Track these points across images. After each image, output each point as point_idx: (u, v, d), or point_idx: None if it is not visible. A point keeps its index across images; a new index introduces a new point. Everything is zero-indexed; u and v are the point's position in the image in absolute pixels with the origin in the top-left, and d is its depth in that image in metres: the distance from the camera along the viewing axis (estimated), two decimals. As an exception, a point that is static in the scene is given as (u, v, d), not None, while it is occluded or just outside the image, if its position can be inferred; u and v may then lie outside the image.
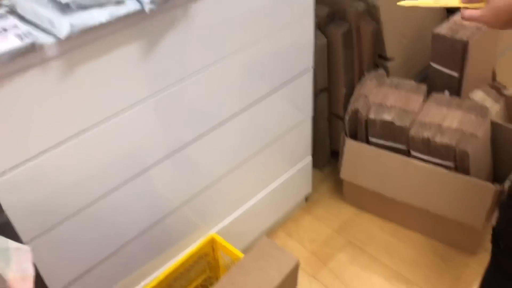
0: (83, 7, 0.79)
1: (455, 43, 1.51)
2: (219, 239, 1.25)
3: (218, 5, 1.01)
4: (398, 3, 0.91)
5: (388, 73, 1.69)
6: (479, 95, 1.67)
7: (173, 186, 1.16)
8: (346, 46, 1.50)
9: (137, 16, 0.87)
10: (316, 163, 1.79)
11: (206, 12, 0.99)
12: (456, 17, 1.60)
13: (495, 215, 1.44)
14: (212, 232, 1.31)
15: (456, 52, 1.53)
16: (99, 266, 1.08)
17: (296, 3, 1.19)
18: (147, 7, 0.84)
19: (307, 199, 1.70)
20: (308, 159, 1.55)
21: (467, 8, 0.81)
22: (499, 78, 1.85)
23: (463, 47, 1.50)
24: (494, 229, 1.03)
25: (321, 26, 1.47)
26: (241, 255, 1.20)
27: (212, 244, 1.27)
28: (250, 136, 1.30)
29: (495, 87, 1.70)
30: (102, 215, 1.02)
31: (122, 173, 1.02)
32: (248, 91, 1.21)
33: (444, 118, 1.41)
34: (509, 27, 0.78)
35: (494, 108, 1.64)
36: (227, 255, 1.25)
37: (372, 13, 1.51)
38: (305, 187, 1.63)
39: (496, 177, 1.51)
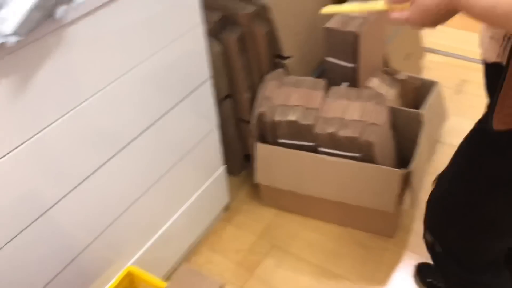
0: None
1: (346, 35, 1.55)
2: (137, 271, 1.18)
3: (97, 24, 0.93)
4: (320, 11, 0.88)
5: (288, 71, 1.70)
6: (374, 83, 1.73)
7: (81, 221, 1.06)
8: (242, 50, 1.47)
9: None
10: (231, 170, 1.76)
11: (85, 34, 0.91)
12: (344, 10, 1.64)
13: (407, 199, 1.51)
14: (131, 264, 1.24)
15: (348, 44, 1.56)
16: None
17: (184, 14, 1.14)
18: (10, 39, 0.75)
19: (226, 208, 1.67)
20: (221, 169, 1.52)
21: (392, 11, 0.78)
22: (390, 61, 1.94)
23: (354, 38, 1.54)
24: (425, 233, 1.06)
25: (214, 33, 1.43)
26: (163, 284, 1.14)
27: (130, 277, 1.20)
28: (158, 154, 1.24)
29: (389, 73, 1.78)
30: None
31: (16, 221, 0.91)
32: (149, 108, 1.15)
33: (345, 111, 1.44)
34: (439, 24, 0.75)
35: (390, 93, 1.71)
36: (148, 286, 1.18)
37: (263, 14, 1.50)
38: (222, 197, 1.59)
39: (401, 160, 1.58)
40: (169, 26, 1.11)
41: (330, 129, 1.38)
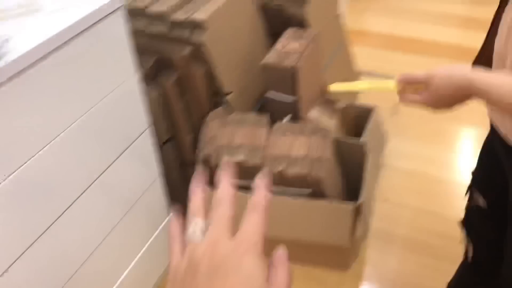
0: None
1: (284, 70, 1.54)
2: None
3: (29, 83, 0.85)
4: (329, 88, 0.84)
5: (230, 108, 1.66)
6: (315, 114, 1.74)
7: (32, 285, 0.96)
8: (181, 93, 1.42)
9: None
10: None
11: (17, 95, 0.83)
12: (278, 45, 1.64)
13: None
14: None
15: (287, 78, 1.56)
16: None
17: (117, 66, 1.08)
18: None
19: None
20: (168, 218, 1.44)
21: (404, 92, 0.77)
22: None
23: (292, 73, 1.54)
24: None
25: (150, 77, 1.37)
26: None
27: None
28: (105, 209, 1.16)
29: (328, 103, 1.79)
30: None
31: None
32: (91, 163, 1.08)
33: (291, 147, 1.42)
34: (454, 107, 0.75)
35: (331, 123, 1.72)
36: None
37: (199, 55, 1.46)
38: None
39: (348, 189, 1.58)
40: (103, 79, 1.05)
41: (279, 168, 1.36)
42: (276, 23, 1.88)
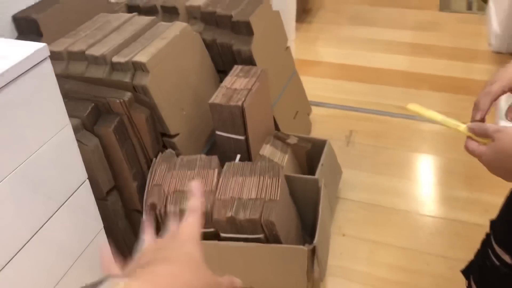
0: None
1: (232, 109, 1.50)
2: None
3: None
4: (407, 107, 0.79)
5: (178, 150, 1.61)
6: (267, 150, 1.70)
7: None
8: (122, 139, 1.36)
9: None
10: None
11: None
12: (225, 83, 1.60)
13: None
14: None
15: (235, 117, 1.52)
16: None
17: (49, 117, 1.01)
18: None
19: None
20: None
21: (473, 139, 0.69)
22: (280, 124, 1.93)
23: (240, 111, 1.50)
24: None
25: (88, 126, 1.30)
26: None
27: None
28: (47, 263, 1.08)
29: (280, 138, 1.76)
30: None
31: None
32: (28, 217, 1.00)
33: (242, 189, 1.37)
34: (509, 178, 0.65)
35: (285, 159, 1.69)
36: None
37: (140, 97, 1.41)
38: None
39: (304, 225, 1.54)
40: (35, 129, 0.98)
41: (229, 213, 1.30)
42: (225, 61, 1.86)
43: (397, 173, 1.98)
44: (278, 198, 1.34)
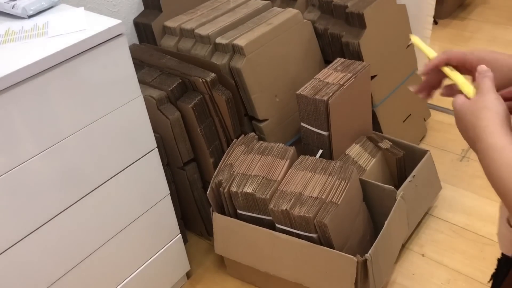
0: None
1: (317, 102, 1.47)
2: None
3: (36, 89, 0.95)
4: (411, 37, 0.80)
5: (264, 135, 1.64)
6: (355, 151, 1.63)
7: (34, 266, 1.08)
8: (202, 117, 1.43)
9: None
10: (204, 233, 1.71)
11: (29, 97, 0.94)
12: (320, 75, 1.57)
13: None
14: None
15: (319, 111, 1.49)
16: None
17: (120, 88, 1.12)
18: None
19: (189, 276, 1.60)
20: (177, 238, 1.46)
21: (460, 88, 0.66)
22: (383, 125, 1.82)
23: (325, 106, 1.46)
24: None
25: (173, 99, 1.41)
26: None
27: None
28: (109, 213, 1.23)
29: (373, 140, 1.67)
30: None
31: None
32: (101, 165, 1.16)
33: (306, 185, 1.35)
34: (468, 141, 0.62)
35: (371, 163, 1.60)
36: None
37: (225, 81, 1.46)
38: (182, 265, 1.53)
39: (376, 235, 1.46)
40: (104, 99, 1.10)
41: (284, 206, 1.30)
42: (334, 51, 1.81)
43: (510, 201, 1.72)
44: (339, 202, 1.29)
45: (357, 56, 1.72)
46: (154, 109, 1.36)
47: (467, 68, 0.68)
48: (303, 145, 1.62)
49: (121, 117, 1.15)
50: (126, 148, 1.20)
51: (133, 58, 1.14)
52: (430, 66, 0.70)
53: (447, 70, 0.70)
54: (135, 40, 1.77)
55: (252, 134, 1.56)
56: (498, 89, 0.63)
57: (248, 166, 1.43)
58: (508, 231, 0.69)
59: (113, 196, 1.22)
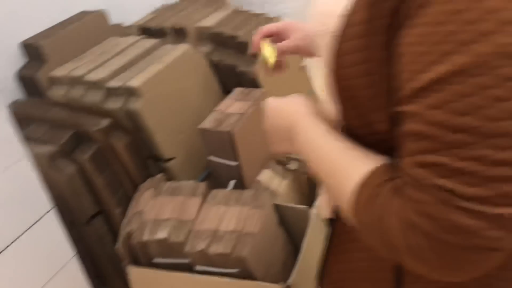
0: None
1: (221, 134, 1.46)
2: None
3: None
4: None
5: (171, 175, 1.59)
6: (266, 175, 1.63)
7: None
8: (101, 167, 1.36)
9: None
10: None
11: None
12: (221, 106, 1.56)
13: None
14: None
15: (224, 142, 1.47)
16: None
17: (1, 149, 1.03)
18: None
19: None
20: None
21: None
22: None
23: (229, 136, 1.45)
24: None
25: (67, 153, 1.32)
26: None
27: None
28: (12, 286, 1.10)
29: (281, 163, 1.68)
30: None
31: None
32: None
33: (221, 220, 1.31)
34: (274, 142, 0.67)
35: (283, 185, 1.61)
36: None
37: (122, 125, 1.40)
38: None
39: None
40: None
41: (200, 246, 1.25)
42: (232, 82, 1.82)
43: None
44: (256, 231, 1.27)
45: (255, 83, 1.74)
46: (46, 167, 1.27)
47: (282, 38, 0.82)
48: (214, 178, 1.60)
49: (8, 181, 1.05)
50: (19, 213, 1.10)
51: (17, 115, 1.06)
52: (254, 44, 0.82)
53: (262, 43, 0.82)
54: (21, 95, 1.65)
55: (160, 175, 1.50)
56: (300, 46, 0.80)
57: (159, 210, 1.37)
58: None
59: (13, 265, 1.11)
